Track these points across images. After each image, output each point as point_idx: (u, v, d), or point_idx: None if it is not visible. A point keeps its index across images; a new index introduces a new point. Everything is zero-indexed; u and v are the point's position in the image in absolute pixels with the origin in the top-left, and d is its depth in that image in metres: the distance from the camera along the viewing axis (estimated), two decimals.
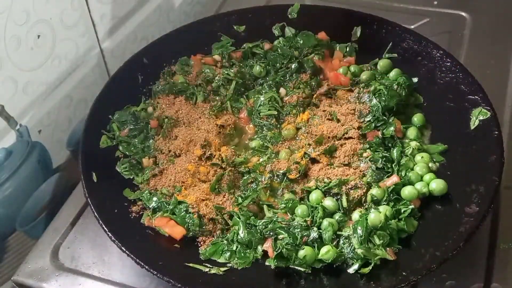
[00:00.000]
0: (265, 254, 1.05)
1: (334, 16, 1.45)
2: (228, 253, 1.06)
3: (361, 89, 1.29)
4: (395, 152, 1.17)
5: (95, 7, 1.34)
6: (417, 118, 1.25)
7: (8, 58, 1.13)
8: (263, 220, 1.08)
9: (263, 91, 1.32)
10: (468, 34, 1.56)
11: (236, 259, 1.05)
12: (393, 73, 1.32)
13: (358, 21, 1.43)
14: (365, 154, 1.16)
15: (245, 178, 1.17)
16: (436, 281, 1.05)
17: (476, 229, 1.00)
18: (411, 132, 1.22)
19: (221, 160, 1.18)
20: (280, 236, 1.05)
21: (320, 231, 1.05)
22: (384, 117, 1.22)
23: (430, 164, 1.16)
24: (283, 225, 1.06)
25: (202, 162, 1.19)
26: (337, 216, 1.07)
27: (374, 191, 1.09)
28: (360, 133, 1.20)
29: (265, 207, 1.12)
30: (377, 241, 1.01)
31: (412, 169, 1.15)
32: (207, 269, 1.03)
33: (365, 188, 1.10)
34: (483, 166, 1.09)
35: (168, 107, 1.30)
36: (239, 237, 1.06)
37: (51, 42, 1.24)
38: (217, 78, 1.34)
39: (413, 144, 1.18)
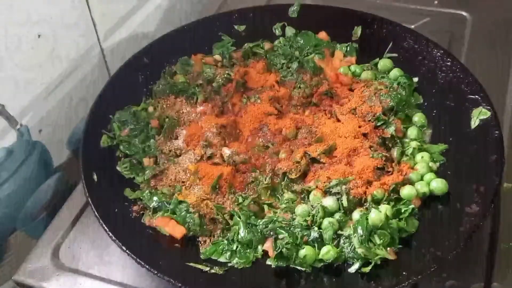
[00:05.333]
0: (265, 253, 1.05)
1: (335, 15, 1.45)
2: (229, 253, 1.06)
3: (362, 88, 1.29)
4: (395, 152, 1.17)
5: (95, 6, 1.33)
6: (417, 117, 1.25)
7: (9, 58, 1.13)
8: (263, 220, 1.08)
9: (264, 91, 1.32)
10: (468, 34, 1.55)
11: (236, 258, 1.05)
12: (393, 73, 1.32)
13: (358, 21, 1.43)
14: (365, 153, 1.16)
15: (245, 177, 1.17)
16: (436, 281, 1.05)
17: (477, 229, 1.00)
18: (412, 131, 1.22)
19: (221, 159, 1.18)
20: (281, 236, 1.05)
21: (321, 230, 1.05)
22: (385, 117, 1.22)
23: (430, 164, 1.16)
24: (284, 225, 1.06)
25: (203, 162, 1.19)
26: (337, 215, 1.07)
27: (375, 190, 1.09)
28: (361, 132, 1.20)
29: (265, 206, 1.12)
30: (378, 241, 1.01)
31: (413, 169, 1.15)
32: (207, 269, 1.03)
33: (366, 187, 1.10)
34: (483, 166, 1.09)
35: (168, 107, 1.30)
36: (239, 237, 1.06)
37: (51, 42, 1.24)
38: (217, 78, 1.34)
39: (414, 143, 1.18)
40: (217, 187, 1.13)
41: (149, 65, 1.36)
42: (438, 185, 1.10)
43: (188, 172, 1.17)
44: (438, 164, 1.17)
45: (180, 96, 1.32)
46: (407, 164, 1.15)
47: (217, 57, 1.41)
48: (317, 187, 1.12)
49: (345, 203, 1.08)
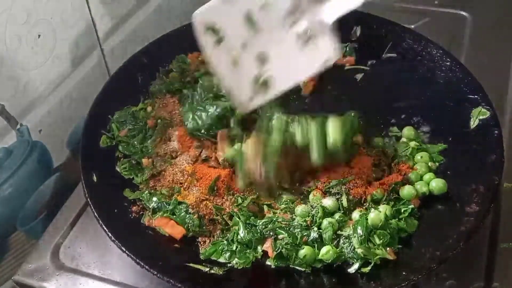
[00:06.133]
0: (265, 254, 1.05)
1: None
2: (228, 253, 1.05)
3: None
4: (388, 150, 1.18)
5: (95, 6, 1.34)
6: (407, 130, 1.22)
7: (9, 58, 1.14)
8: (263, 220, 1.08)
9: None
10: (468, 34, 1.55)
11: (236, 259, 1.05)
12: None
13: (357, 21, 1.42)
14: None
15: None
16: (436, 280, 1.05)
17: (477, 229, 1.00)
18: (408, 131, 1.21)
19: (217, 162, 1.17)
20: (280, 236, 1.05)
21: (320, 231, 1.05)
22: None
23: (429, 164, 1.16)
24: (283, 225, 1.06)
25: (199, 163, 1.19)
26: (337, 216, 1.07)
27: (374, 190, 1.09)
28: None
29: (265, 207, 1.12)
30: (377, 241, 1.01)
31: (412, 169, 1.15)
32: (207, 269, 1.03)
33: (365, 187, 1.10)
34: (483, 166, 1.09)
35: (162, 107, 1.29)
36: (239, 237, 1.06)
37: (51, 42, 1.24)
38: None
39: (413, 143, 1.18)
40: (214, 188, 1.13)
41: (148, 65, 1.36)
42: (437, 185, 1.10)
43: (186, 173, 1.16)
44: (437, 164, 1.17)
45: (176, 95, 1.31)
46: (406, 164, 1.15)
47: None
48: (316, 187, 1.12)
49: (344, 203, 1.08)
